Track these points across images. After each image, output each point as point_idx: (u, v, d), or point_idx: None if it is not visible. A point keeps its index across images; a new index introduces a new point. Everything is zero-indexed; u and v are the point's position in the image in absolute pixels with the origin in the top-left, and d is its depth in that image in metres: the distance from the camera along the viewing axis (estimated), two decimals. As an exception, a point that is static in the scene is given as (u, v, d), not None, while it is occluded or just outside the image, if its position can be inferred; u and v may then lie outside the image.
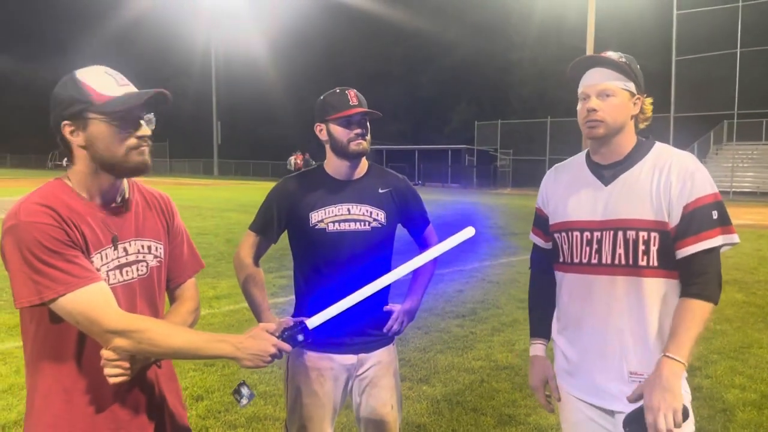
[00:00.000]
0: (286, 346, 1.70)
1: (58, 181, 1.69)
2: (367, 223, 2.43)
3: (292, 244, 2.53)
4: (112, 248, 1.69)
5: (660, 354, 1.93)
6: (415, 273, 2.51)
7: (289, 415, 2.51)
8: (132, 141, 1.66)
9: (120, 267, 1.71)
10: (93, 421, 1.67)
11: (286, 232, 2.52)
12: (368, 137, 2.42)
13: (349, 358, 2.45)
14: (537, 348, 2.26)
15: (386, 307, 2.53)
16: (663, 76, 31.73)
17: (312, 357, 2.43)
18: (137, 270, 1.76)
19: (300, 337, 1.73)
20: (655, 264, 1.93)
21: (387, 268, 2.51)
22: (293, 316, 2.51)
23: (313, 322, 1.77)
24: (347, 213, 2.42)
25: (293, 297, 2.57)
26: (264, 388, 4.40)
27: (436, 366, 5.03)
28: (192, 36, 55.76)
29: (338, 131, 2.40)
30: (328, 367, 2.43)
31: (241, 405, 1.71)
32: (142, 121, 1.68)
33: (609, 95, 1.97)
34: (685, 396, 1.98)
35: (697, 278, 1.90)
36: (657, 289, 1.94)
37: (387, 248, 2.52)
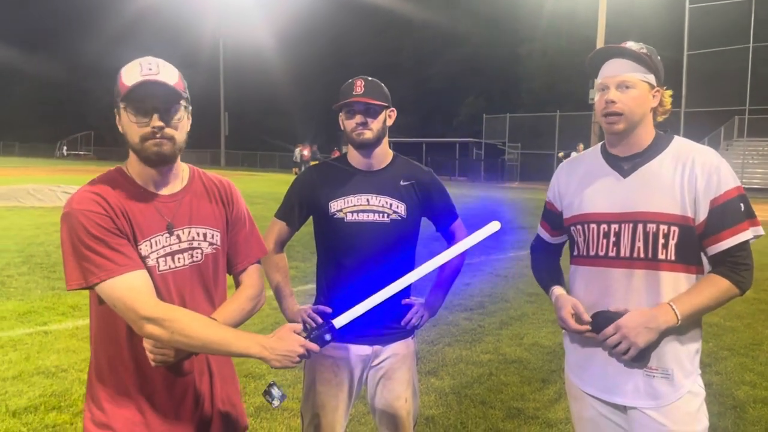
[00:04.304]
0: (314, 347, 1.70)
1: (118, 169, 1.78)
2: (386, 214, 2.41)
3: (315, 233, 2.53)
4: (166, 235, 1.75)
5: (674, 348, 1.92)
6: (441, 267, 2.48)
7: (304, 401, 2.53)
8: (146, 131, 1.69)
9: (172, 254, 1.76)
10: (149, 397, 1.74)
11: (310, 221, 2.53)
12: (374, 126, 2.36)
13: (365, 349, 2.45)
14: (557, 290, 2.15)
15: (406, 301, 2.50)
16: (674, 70, 31.45)
17: (328, 345, 2.43)
18: (191, 257, 1.80)
19: (327, 337, 1.73)
20: (673, 258, 1.91)
21: (410, 261, 2.49)
22: (314, 304, 2.52)
23: (339, 321, 1.76)
24: (366, 203, 2.40)
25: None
26: (272, 379, 4.40)
27: (444, 358, 5.03)
28: (200, 28, 55.68)
29: (344, 121, 2.40)
30: (343, 357, 2.43)
31: (273, 406, 1.72)
32: (155, 113, 1.68)
33: (629, 87, 1.94)
34: (699, 392, 1.97)
35: (733, 266, 1.90)
36: (673, 282, 1.92)
37: (409, 241, 2.49)
